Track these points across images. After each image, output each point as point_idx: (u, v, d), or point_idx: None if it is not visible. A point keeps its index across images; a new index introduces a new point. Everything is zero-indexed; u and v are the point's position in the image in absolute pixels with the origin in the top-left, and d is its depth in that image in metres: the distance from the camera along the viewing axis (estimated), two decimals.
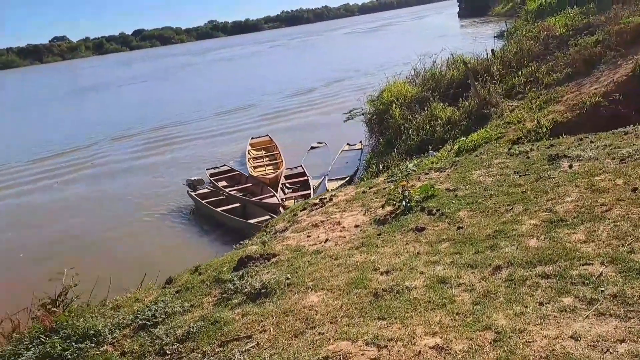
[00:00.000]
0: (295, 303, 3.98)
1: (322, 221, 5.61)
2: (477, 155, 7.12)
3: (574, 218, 4.28)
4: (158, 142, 22.69)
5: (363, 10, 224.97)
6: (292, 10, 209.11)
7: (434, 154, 10.95)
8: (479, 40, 26.40)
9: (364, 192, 6.56)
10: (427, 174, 6.86)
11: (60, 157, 22.43)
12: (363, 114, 16.20)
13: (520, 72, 12.87)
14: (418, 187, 5.94)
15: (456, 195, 5.50)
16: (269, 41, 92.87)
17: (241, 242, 6.25)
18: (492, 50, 15.86)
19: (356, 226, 5.33)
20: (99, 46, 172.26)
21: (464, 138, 9.98)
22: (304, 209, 6.59)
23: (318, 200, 6.73)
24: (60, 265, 9.24)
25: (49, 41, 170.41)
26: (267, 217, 11.77)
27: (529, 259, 3.76)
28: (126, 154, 21.28)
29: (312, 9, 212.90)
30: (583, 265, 3.52)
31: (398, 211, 5.45)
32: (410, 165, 10.68)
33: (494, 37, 33.02)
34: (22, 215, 15.18)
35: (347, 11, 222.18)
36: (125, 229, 12.94)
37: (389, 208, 5.50)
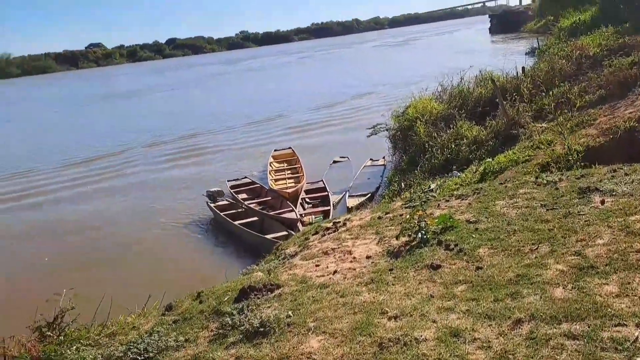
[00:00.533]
0: (294, 347, 3.65)
1: (333, 249, 5.29)
2: (501, 183, 6.70)
3: (606, 265, 3.86)
4: (186, 152, 22.51)
5: (393, 23, 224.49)
6: (321, 23, 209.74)
7: (458, 174, 10.54)
8: (510, 57, 25.81)
9: (379, 217, 6.22)
10: (447, 201, 6.49)
11: (89, 163, 22.45)
12: (387, 130, 15.84)
13: (551, 93, 12.37)
14: (437, 216, 5.57)
15: (477, 229, 5.09)
16: (298, 52, 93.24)
17: (248, 267, 5.96)
18: (523, 68, 15.39)
19: (368, 257, 5.00)
20: (133, 54, 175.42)
21: (490, 159, 9.55)
22: (316, 232, 6.28)
23: (332, 224, 6.41)
24: (67, 281, 9.16)
25: (85, 48, 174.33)
26: (284, 232, 11.50)
27: (553, 313, 3.35)
28: (154, 163, 21.08)
29: (342, 21, 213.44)
30: (616, 325, 3.11)
31: (413, 243, 5.09)
32: (432, 186, 10.34)
33: (525, 54, 32.33)
34: (43, 224, 15.08)
35: (376, 24, 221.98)
36: (141, 241, 12.70)
37: (404, 239, 5.16)
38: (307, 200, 14.05)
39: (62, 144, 27.80)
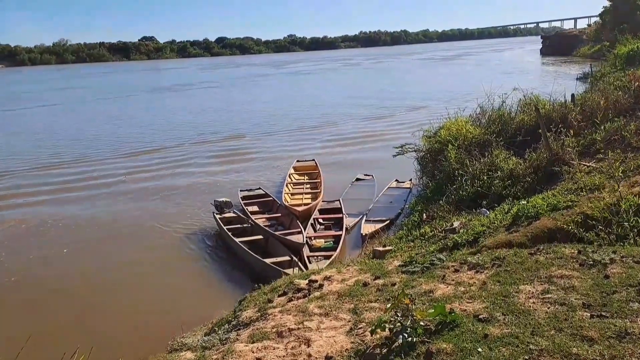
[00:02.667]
0: None
1: (290, 330, 4.04)
2: (532, 254, 5.26)
3: None
4: (221, 154, 21.57)
5: (442, 37, 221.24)
6: (370, 32, 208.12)
7: (487, 213, 9.24)
8: (559, 81, 24.09)
9: (364, 285, 4.93)
10: (456, 271, 5.11)
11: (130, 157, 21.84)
12: (415, 151, 14.57)
13: (602, 127, 10.91)
14: (437, 295, 4.21)
15: (486, 336, 3.63)
16: (343, 59, 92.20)
17: (182, 336, 4.76)
18: (572, 95, 13.89)
19: (327, 359, 3.77)
20: (183, 49, 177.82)
21: (525, 202, 8.21)
22: (284, 293, 5.06)
23: (307, 282, 5.18)
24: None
25: (138, 40, 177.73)
26: (287, 257, 10.39)
27: None
28: (183, 165, 20.12)
29: (390, 31, 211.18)
30: None
31: (394, 345, 3.66)
32: (455, 224, 9.06)
33: (576, 79, 30.47)
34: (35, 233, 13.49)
35: (425, 37, 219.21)
36: (136, 264, 11.24)
37: (382, 334, 3.79)
38: (320, 220, 12.91)
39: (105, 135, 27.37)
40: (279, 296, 5.03)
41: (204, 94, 47.19)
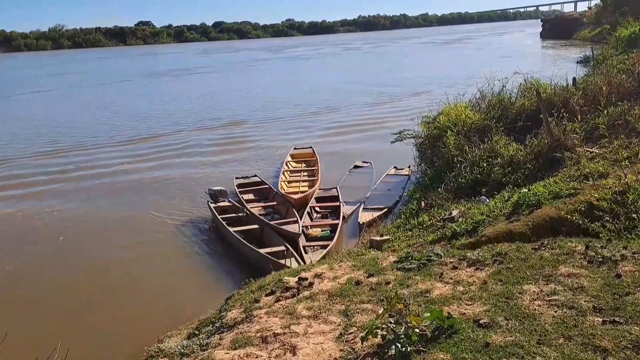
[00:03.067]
0: None
1: (275, 335, 3.73)
2: (535, 249, 4.92)
3: None
4: (220, 142, 21.13)
5: (442, 21, 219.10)
6: (368, 16, 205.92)
7: (487, 201, 9.00)
8: (560, 65, 23.66)
9: (357, 283, 4.63)
10: (455, 268, 4.77)
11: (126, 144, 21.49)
12: (413, 137, 14.27)
13: (606, 111, 10.61)
14: (434, 296, 3.93)
15: (487, 345, 3.30)
16: (342, 43, 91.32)
17: (156, 346, 4.48)
18: (574, 79, 13.56)
19: None
20: (180, 34, 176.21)
21: (526, 190, 7.95)
22: (272, 292, 4.77)
23: (297, 279, 4.89)
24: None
25: (135, 25, 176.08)
26: (282, 247, 10.15)
27: None
28: (178, 153, 19.72)
29: (390, 15, 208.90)
30: None
31: (386, 355, 3.34)
32: (454, 212, 8.81)
33: (577, 62, 30.02)
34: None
35: (424, 21, 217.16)
36: (128, 257, 10.82)
37: (374, 340, 3.46)
38: (317, 209, 12.65)
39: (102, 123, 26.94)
40: (267, 295, 4.74)
41: (201, 79, 46.58)
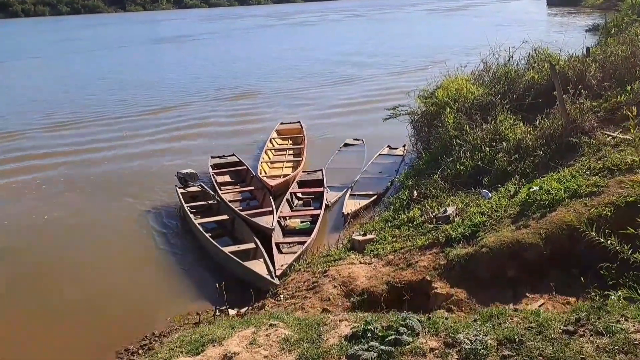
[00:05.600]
0: None
1: None
2: (569, 334, 3.11)
3: None
4: (225, 115, 19.30)
5: None
6: None
7: (489, 195, 7.61)
8: (569, 33, 21.79)
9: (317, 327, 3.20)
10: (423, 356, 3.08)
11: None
12: (409, 114, 12.77)
13: (629, 87, 9.09)
14: None
15: None
16: (347, 10, 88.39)
17: None
18: (587, 49, 11.98)
19: None
20: (180, 0, 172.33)
21: (536, 188, 6.53)
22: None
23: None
24: None
25: None
26: (251, 245, 8.84)
27: None
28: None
29: None
30: None
31: None
32: (449, 210, 7.42)
33: (586, 30, 28.13)
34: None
35: None
36: (89, 244, 9.78)
37: None
38: (299, 195, 11.28)
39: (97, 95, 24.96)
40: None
41: (207, 46, 44.00)
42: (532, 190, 6.43)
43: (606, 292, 5.03)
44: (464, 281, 5.65)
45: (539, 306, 5.15)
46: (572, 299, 5.23)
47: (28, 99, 24.03)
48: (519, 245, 5.65)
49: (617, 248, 4.10)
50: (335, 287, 6.31)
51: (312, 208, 10.53)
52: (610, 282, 5.00)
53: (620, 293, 3.86)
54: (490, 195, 7.55)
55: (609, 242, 4.01)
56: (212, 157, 13.12)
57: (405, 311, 5.75)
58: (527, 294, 5.37)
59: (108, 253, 9.41)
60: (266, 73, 27.79)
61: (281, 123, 16.01)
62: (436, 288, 5.64)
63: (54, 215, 11.17)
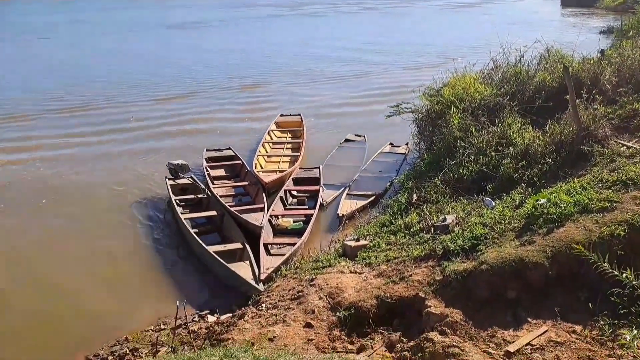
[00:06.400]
0: None
1: None
2: None
3: None
4: (236, 104, 18.41)
5: None
6: None
7: (492, 204, 7.12)
8: (583, 35, 21.07)
9: None
10: None
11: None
12: (412, 112, 12.25)
13: None
14: None
15: None
16: (358, 3, 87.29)
17: None
18: (602, 51, 11.42)
19: None
20: None
21: (544, 201, 6.02)
22: None
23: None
24: None
25: None
26: (238, 245, 8.39)
27: None
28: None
29: None
30: None
31: None
32: (449, 219, 6.92)
33: (600, 32, 27.45)
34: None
35: None
36: (75, 237, 9.30)
37: None
38: (293, 193, 10.80)
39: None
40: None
41: (216, 34, 42.86)
42: (539, 202, 5.92)
43: (616, 322, 4.59)
44: (460, 300, 5.17)
45: (542, 334, 4.68)
46: (578, 327, 4.75)
47: (39, 79, 23.17)
48: (522, 264, 5.15)
49: (630, 279, 3.61)
50: (321, 298, 5.85)
51: (307, 207, 10.07)
52: (622, 311, 4.56)
53: (636, 332, 3.36)
54: (493, 204, 7.05)
55: (624, 274, 3.49)
56: (207, 150, 12.63)
57: (393, 331, 5.34)
58: (529, 319, 4.88)
59: (85, 245, 8.93)
60: (276, 64, 26.83)
61: (281, 115, 15.43)
62: (430, 307, 5.16)
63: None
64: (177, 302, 5.88)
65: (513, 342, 4.62)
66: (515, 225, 6.00)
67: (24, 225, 9.73)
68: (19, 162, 12.98)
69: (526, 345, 4.56)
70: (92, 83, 21.50)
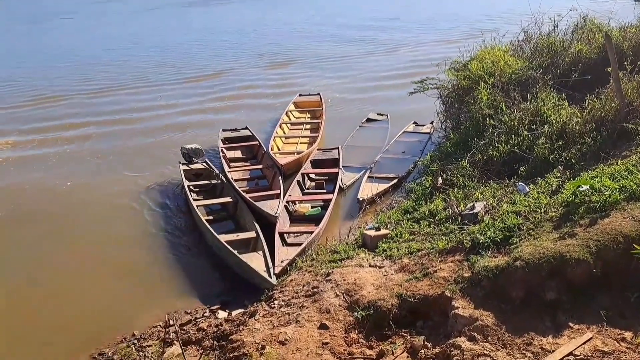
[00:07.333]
0: None
1: None
2: None
3: None
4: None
5: None
6: None
7: (526, 189, 6.49)
8: (619, 2, 19.73)
9: None
10: None
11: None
12: (438, 88, 11.53)
13: None
14: None
15: None
16: None
17: None
18: None
19: None
20: None
21: (584, 187, 5.36)
22: None
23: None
24: None
25: None
26: (252, 234, 7.92)
27: None
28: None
29: None
30: None
31: None
32: (477, 207, 6.32)
33: (635, 0, 25.79)
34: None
35: None
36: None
37: None
38: (312, 176, 10.29)
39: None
40: None
41: (238, 10, 41.57)
42: (580, 189, 5.28)
43: None
44: (491, 301, 4.63)
45: (586, 342, 4.11)
46: (628, 334, 4.17)
47: (66, 59, 22.76)
48: (562, 260, 4.56)
49: None
50: (337, 295, 5.36)
51: (325, 191, 9.54)
52: None
53: None
54: (527, 189, 6.43)
55: None
56: (223, 130, 12.15)
57: (417, 335, 4.83)
58: (571, 324, 4.32)
59: (93, 233, 8.57)
60: (304, 40, 25.85)
61: (300, 95, 14.81)
62: (457, 308, 4.63)
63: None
64: (167, 314, 5.50)
65: (553, 351, 4.07)
66: (553, 214, 5.39)
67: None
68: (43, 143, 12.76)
69: (568, 355, 4.01)
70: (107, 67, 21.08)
